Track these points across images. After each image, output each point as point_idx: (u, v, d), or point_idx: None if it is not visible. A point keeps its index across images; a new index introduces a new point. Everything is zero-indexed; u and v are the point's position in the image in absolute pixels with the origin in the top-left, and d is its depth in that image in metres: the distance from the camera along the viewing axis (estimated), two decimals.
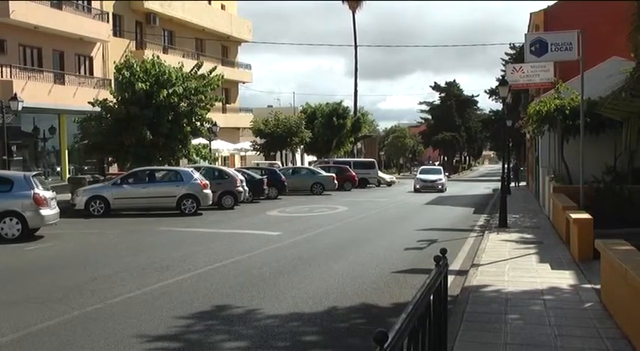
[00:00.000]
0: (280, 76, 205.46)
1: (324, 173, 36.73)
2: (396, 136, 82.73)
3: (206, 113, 27.61)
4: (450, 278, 8.96)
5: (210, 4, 47.43)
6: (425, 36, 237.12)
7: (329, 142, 50.96)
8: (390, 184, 46.99)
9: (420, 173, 41.33)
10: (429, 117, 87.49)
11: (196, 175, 22.83)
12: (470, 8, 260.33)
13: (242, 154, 49.56)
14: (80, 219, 20.24)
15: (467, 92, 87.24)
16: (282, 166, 43.64)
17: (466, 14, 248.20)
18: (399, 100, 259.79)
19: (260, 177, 29.38)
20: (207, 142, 31.56)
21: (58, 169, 32.28)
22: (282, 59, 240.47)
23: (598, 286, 8.69)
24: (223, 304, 8.52)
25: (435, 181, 39.11)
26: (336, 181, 35.99)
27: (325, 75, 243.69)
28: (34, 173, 16.94)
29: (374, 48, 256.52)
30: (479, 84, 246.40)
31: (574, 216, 12.09)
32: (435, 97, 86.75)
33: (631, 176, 17.63)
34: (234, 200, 24.80)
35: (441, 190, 37.76)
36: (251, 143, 46.35)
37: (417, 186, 38.34)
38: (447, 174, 46.17)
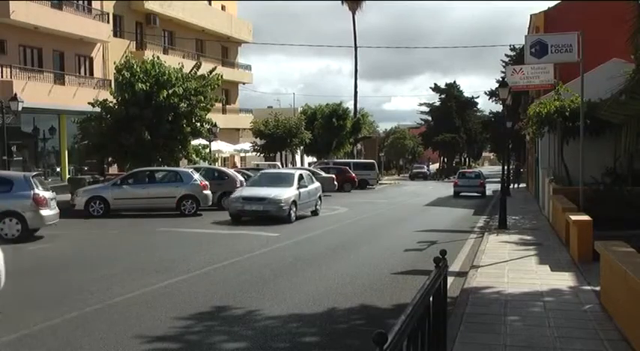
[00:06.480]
0: (288, 78, 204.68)
1: (323, 174, 36.66)
2: (396, 137, 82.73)
3: (206, 114, 27.58)
4: (450, 279, 8.97)
5: (210, 4, 47.46)
6: (437, 36, 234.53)
7: (329, 143, 50.91)
8: None
9: (249, 185, 21.88)
10: (429, 118, 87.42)
11: (196, 175, 22.81)
12: (483, 8, 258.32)
13: (242, 155, 49.54)
14: (80, 219, 20.22)
15: (472, 94, 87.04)
16: (282, 167, 43.63)
17: (480, 14, 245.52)
18: (404, 102, 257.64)
19: None
20: (207, 142, 31.56)
21: (58, 169, 32.23)
22: (290, 60, 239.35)
23: (597, 288, 8.70)
24: (223, 304, 8.53)
25: (266, 199, 19.22)
26: (335, 182, 35.97)
27: (333, 76, 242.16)
28: (34, 174, 16.92)
29: (382, 48, 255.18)
30: (486, 85, 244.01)
31: (574, 218, 12.10)
32: (436, 99, 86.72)
33: (631, 178, 17.64)
34: None
35: (288, 219, 19.10)
36: (251, 144, 46.35)
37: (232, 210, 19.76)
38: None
